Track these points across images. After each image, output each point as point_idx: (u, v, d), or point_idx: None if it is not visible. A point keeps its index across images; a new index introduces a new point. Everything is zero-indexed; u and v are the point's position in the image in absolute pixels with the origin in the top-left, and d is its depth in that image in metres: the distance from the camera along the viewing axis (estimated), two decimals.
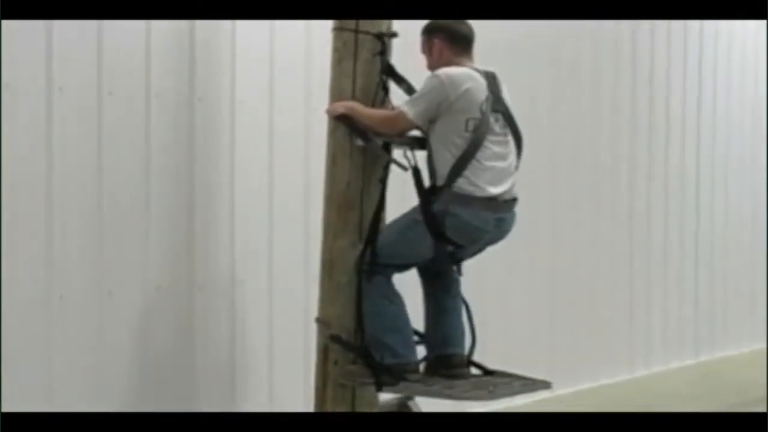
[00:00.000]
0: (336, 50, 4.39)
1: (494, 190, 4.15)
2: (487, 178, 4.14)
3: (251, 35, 5.06)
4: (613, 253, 7.40)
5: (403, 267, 4.35)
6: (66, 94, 4.45)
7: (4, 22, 4.23)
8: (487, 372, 4.43)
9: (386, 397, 4.65)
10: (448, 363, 4.36)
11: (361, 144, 4.30)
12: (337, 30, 4.38)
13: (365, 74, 4.35)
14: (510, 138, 4.30)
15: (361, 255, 4.27)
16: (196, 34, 4.87)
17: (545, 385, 4.44)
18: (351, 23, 4.33)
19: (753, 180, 8.75)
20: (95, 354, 4.58)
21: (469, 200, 4.11)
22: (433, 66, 4.31)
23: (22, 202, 4.34)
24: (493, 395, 4.24)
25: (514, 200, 4.29)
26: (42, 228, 4.40)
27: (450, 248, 4.23)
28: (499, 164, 4.20)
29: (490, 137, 4.18)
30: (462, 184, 4.11)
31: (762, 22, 8.31)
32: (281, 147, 5.24)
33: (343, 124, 4.31)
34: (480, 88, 4.18)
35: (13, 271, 4.30)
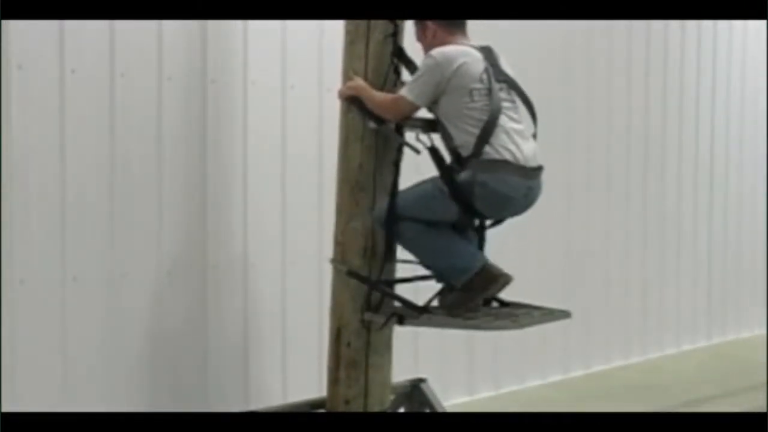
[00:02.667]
0: (348, 32, 4.38)
1: (519, 153, 4.14)
2: (509, 139, 4.13)
3: None
4: (626, 235, 7.39)
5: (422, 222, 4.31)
6: (78, 76, 4.45)
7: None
8: (503, 304, 4.45)
9: (399, 378, 4.67)
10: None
11: (374, 127, 4.29)
12: None
13: (377, 56, 4.33)
14: (519, 105, 4.30)
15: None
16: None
17: (564, 314, 4.44)
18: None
19: None
20: (108, 335, 4.60)
21: (497, 166, 4.10)
22: (428, 50, 4.29)
23: (35, 184, 4.35)
24: (517, 324, 4.24)
25: (540, 168, 4.27)
26: (55, 210, 4.41)
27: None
28: (516, 126, 4.20)
29: (504, 117, 4.18)
30: (489, 151, 4.10)
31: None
32: (294, 129, 5.24)
33: (355, 107, 4.31)
34: (476, 62, 4.18)
35: (26, 252, 4.33)
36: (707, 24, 7.97)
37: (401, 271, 4.49)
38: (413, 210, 4.24)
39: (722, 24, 8.10)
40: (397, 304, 4.34)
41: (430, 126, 4.32)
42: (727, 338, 8.29)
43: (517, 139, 4.17)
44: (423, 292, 4.45)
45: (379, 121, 4.27)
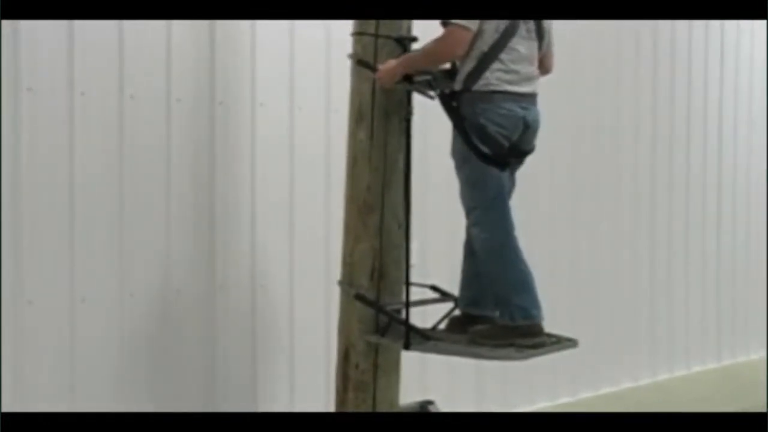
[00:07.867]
0: (356, 53, 4.39)
1: (513, 89, 4.10)
2: (509, 79, 4.10)
3: (271, 38, 5.08)
4: (634, 256, 7.37)
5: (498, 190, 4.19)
6: (88, 99, 4.47)
7: (27, 26, 4.27)
8: None
9: (407, 399, 4.66)
10: (474, 322, 4.32)
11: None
12: (357, 35, 4.38)
13: None
14: (535, 38, 4.25)
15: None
16: (216, 37, 4.90)
17: (572, 343, 4.39)
18: (371, 27, 4.33)
19: None
20: (117, 356, 4.61)
21: (489, 96, 4.07)
22: None
23: (45, 205, 4.37)
24: (522, 355, 4.15)
25: (535, 94, 4.24)
26: (64, 231, 4.43)
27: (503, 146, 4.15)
28: (525, 69, 4.16)
29: (517, 39, 4.14)
30: (480, 87, 4.08)
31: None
32: (302, 150, 5.25)
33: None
34: None
35: (35, 273, 4.34)
36: (714, 24, 7.95)
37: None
38: (479, 185, 4.15)
39: (730, 24, 8.07)
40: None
41: (443, 75, 4.27)
42: (737, 359, 8.25)
43: (517, 79, 4.10)
44: (431, 315, 4.46)
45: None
